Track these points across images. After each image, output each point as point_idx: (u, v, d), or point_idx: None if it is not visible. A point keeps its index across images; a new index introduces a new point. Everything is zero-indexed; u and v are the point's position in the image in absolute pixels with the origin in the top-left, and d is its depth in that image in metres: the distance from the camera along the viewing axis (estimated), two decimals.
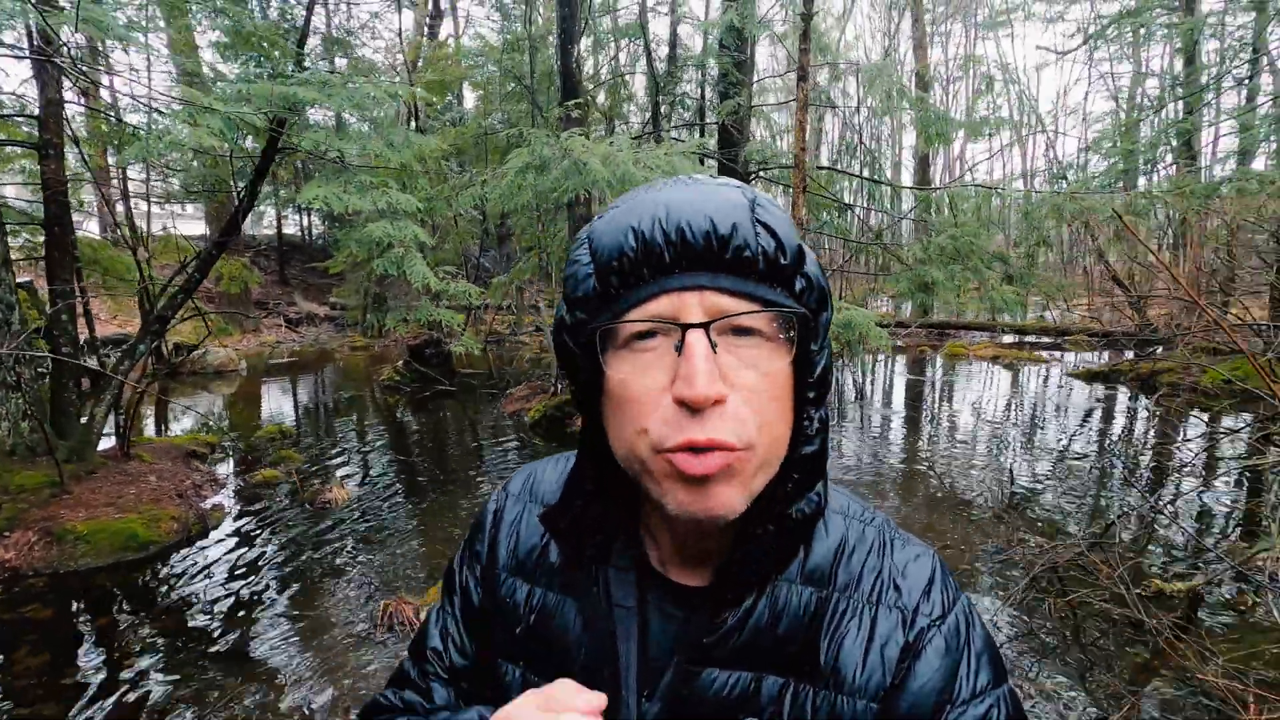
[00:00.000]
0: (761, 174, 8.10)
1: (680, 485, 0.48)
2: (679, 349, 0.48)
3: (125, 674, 2.86)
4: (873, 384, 9.65)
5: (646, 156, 5.01)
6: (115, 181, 12.09)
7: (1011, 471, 4.95)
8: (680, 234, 0.48)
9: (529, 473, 0.72)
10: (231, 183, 13.49)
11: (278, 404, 8.70)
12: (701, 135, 9.82)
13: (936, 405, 8.19)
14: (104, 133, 7.33)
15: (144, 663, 2.93)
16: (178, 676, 2.83)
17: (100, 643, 3.13)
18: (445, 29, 18.44)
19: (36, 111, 5.11)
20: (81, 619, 3.35)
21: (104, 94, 8.26)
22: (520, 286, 9.34)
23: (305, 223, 21.71)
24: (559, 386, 7.71)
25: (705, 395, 0.46)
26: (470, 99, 18.01)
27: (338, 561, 3.90)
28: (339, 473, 5.47)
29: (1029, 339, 12.53)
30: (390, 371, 9.62)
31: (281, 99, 4.25)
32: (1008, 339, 12.68)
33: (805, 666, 0.55)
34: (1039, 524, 4.20)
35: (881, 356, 11.56)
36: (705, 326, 0.47)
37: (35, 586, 3.57)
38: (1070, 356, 11.00)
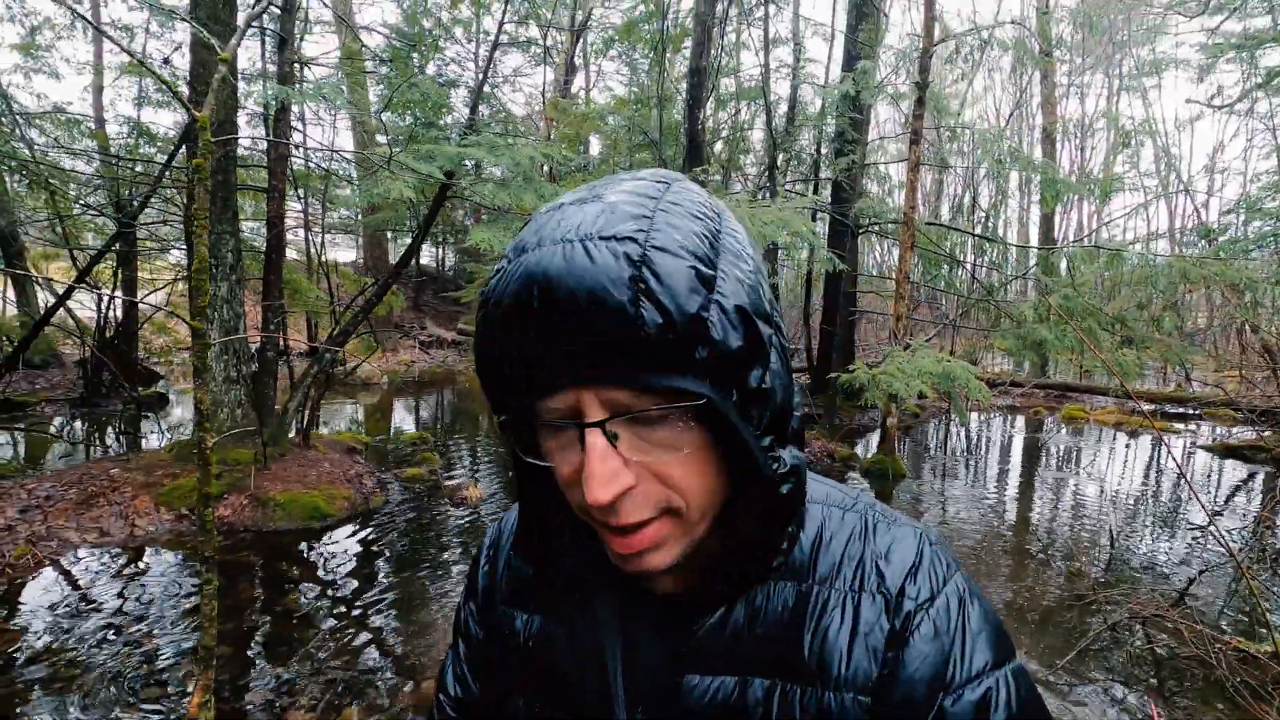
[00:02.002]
0: (873, 229, 8.40)
1: (615, 552, 0.50)
2: (582, 444, 0.46)
3: (307, 610, 3.60)
4: (982, 439, 9.49)
5: (761, 212, 5.53)
6: (299, 217, 14.08)
7: (1113, 533, 4.93)
8: (554, 329, 0.44)
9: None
10: (390, 221, 15.17)
11: (415, 414, 9.79)
12: (815, 190, 10.25)
13: (1043, 464, 8.00)
14: (305, 176, 8.79)
15: (320, 605, 3.67)
16: (342, 615, 3.54)
17: (292, 587, 3.92)
18: (578, 82, 20.02)
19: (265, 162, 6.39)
20: (279, 567, 4.17)
21: (298, 144, 9.89)
22: None
23: (440, 255, 23.87)
24: None
25: (602, 501, 0.45)
26: (595, 145, 19.39)
27: (475, 544, 4.57)
28: (472, 475, 6.25)
29: (1165, 408, 11.77)
30: None
31: (458, 157, 5.15)
32: (1145, 406, 11.97)
33: (791, 665, 0.54)
34: (1131, 581, 4.22)
35: (993, 414, 11.29)
36: (601, 425, 0.45)
37: (245, 539, 4.47)
38: (1207, 429, 10.28)
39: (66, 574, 3.85)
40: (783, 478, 0.50)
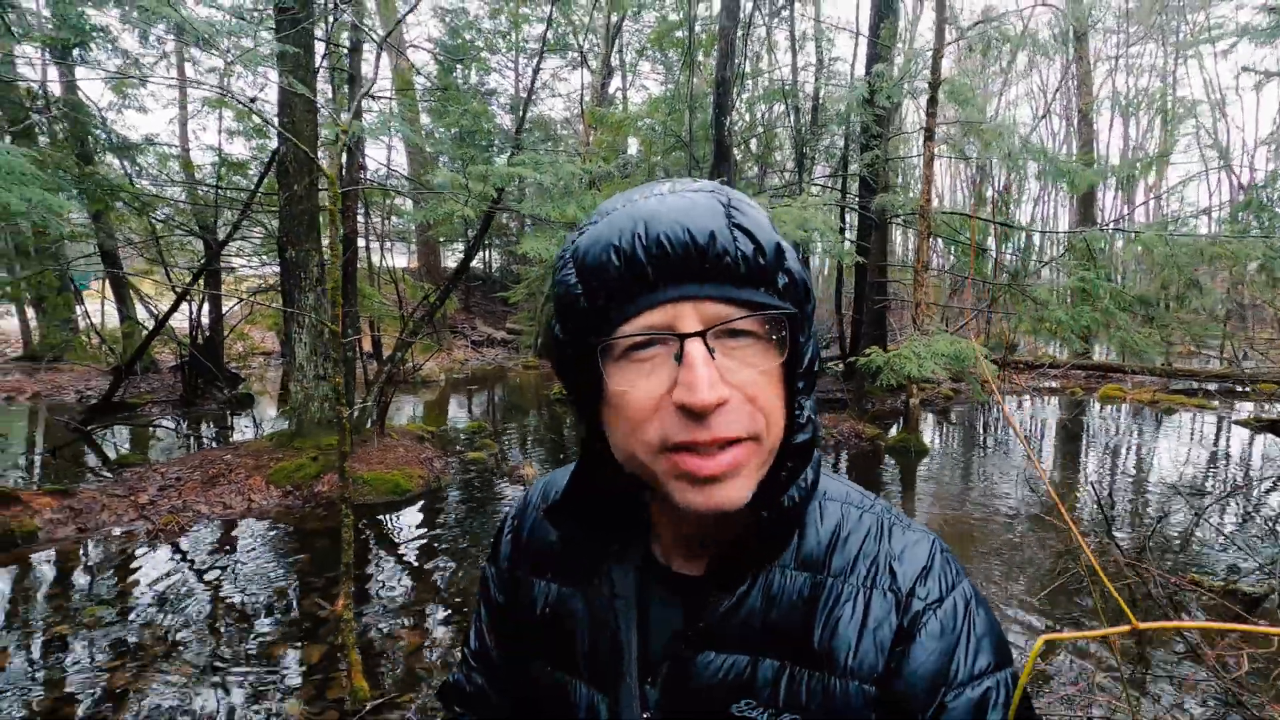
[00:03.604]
0: (897, 221, 8.79)
1: (688, 485, 0.51)
2: (678, 358, 0.50)
3: (391, 568, 4.36)
4: (1013, 418, 9.77)
5: (781, 212, 6.07)
6: (361, 227, 15.15)
7: (1109, 496, 5.31)
8: (660, 247, 0.49)
9: (548, 480, 0.77)
10: (447, 233, 16.10)
11: (471, 407, 10.63)
12: (844, 184, 10.65)
13: (1067, 441, 8.29)
14: (370, 193, 9.67)
15: (402, 564, 4.42)
16: (428, 566, 4.28)
17: (379, 548, 4.69)
18: (615, 83, 20.65)
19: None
20: (374, 531, 4.95)
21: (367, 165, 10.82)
22: None
23: (487, 258, 24.88)
24: None
25: (708, 402, 0.48)
26: (634, 145, 20.03)
27: None
28: (526, 457, 6.98)
29: (1210, 386, 11.75)
30: (558, 388, 11.31)
31: (508, 176, 5.85)
32: (1201, 386, 11.96)
33: (801, 650, 0.57)
34: (1125, 540, 4.64)
35: (1032, 394, 11.50)
36: (702, 335, 0.50)
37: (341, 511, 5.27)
38: (1248, 406, 10.29)
39: (205, 536, 4.71)
40: (800, 426, 0.56)
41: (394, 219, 19.03)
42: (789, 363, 0.54)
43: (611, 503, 0.64)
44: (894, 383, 6.15)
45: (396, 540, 4.79)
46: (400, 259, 23.97)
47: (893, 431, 8.50)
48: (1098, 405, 10.73)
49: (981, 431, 9.00)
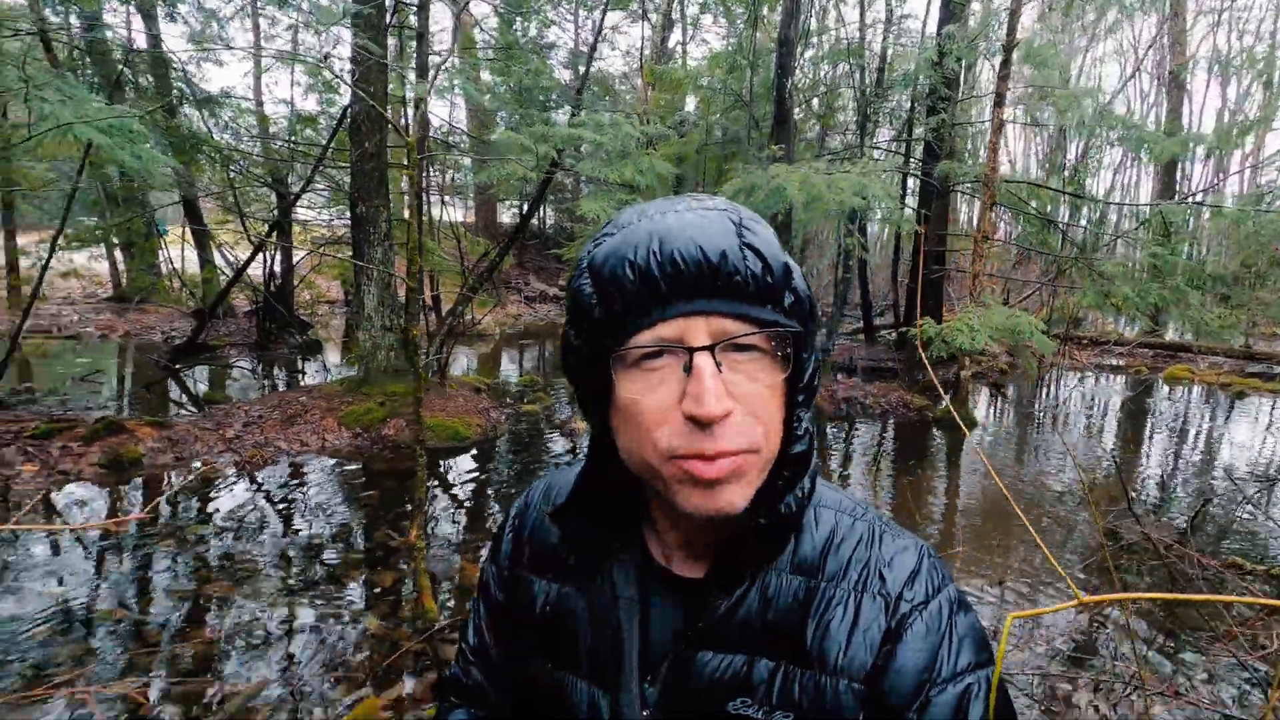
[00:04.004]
0: (958, 189, 8.54)
1: (693, 488, 0.54)
2: (687, 369, 0.52)
3: (451, 508, 4.68)
4: (1070, 395, 9.55)
5: (838, 179, 6.01)
6: (422, 183, 15.49)
7: (1163, 477, 5.23)
8: (674, 264, 0.51)
9: (549, 480, 0.80)
10: (505, 191, 16.32)
11: (523, 361, 10.99)
12: (907, 149, 10.35)
13: (1122, 420, 8.08)
14: (433, 146, 9.89)
15: (460, 505, 4.75)
16: (474, 513, 4.59)
17: (439, 490, 5.03)
18: (674, 36, 20.21)
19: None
20: (431, 475, 5.30)
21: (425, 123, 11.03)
22: None
23: (542, 214, 25.07)
24: None
25: (713, 414, 0.51)
26: (691, 102, 19.68)
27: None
28: (576, 411, 7.26)
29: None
30: None
31: (568, 138, 5.96)
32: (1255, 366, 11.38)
33: (795, 650, 0.60)
34: (1157, 519, 4.61)
35: (1092, 372, 11.16)
36: (710, 349, 0.52)
37: (406, 454, 5.65)
38: None
39: (285, 470, 5.15)
40: (798, 438, 0.58)
41: (453, 175, 19.36)
42: (791, 378, 0.56)
43: (616, 500, 0.66)
44: (944, 354, 6.12)
45: (454, 483, 5.13)
46: (457, 213, 24.43)
47: (942, 403, 8.44)
48: (1165, 386, 10.35)
49: (1036, 406, 8.85)
